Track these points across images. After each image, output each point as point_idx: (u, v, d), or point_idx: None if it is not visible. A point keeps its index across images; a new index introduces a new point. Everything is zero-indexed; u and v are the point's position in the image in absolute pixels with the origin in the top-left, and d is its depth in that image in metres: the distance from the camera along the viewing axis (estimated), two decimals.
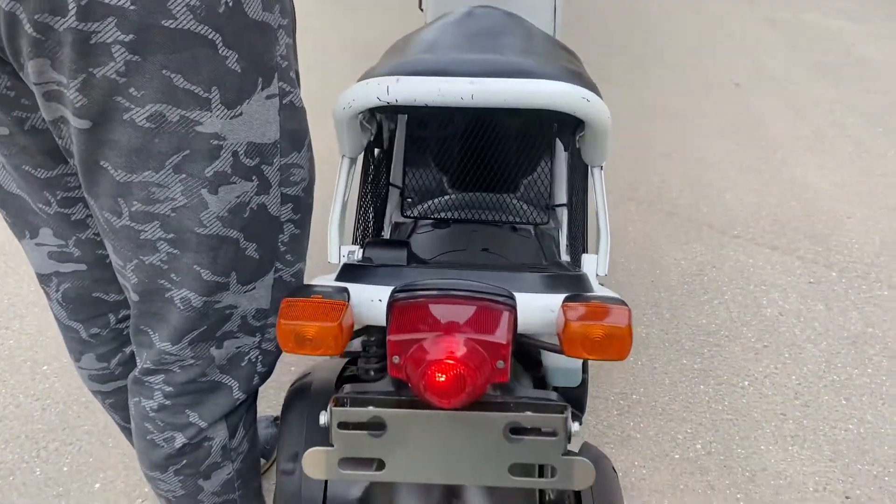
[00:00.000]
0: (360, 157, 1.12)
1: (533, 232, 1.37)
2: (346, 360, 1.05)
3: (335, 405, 0.68)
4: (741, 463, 1.65)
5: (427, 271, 0.81)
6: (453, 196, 1.46)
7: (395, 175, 1.45)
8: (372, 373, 0.96)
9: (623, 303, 0.75)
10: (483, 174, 1.50)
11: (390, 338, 0.67)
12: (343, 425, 0.68)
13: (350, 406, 0.68)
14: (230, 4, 0.75)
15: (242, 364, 1.00)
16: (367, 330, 0.89)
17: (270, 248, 0.93)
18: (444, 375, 0.63)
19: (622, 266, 2.37)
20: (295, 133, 0.90)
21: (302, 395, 0.95)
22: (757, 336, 2.05)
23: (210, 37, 0.75)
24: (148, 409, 1.00)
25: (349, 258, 0.99)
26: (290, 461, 0.88)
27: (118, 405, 1.22)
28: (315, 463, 0.69)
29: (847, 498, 1.56)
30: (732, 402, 1.82)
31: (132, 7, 0.70)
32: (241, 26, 0.77)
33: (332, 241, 0.99)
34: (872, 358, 1.96)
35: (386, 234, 1.40)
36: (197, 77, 0.76)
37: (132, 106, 0.76)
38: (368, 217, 1.24)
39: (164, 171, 0.81)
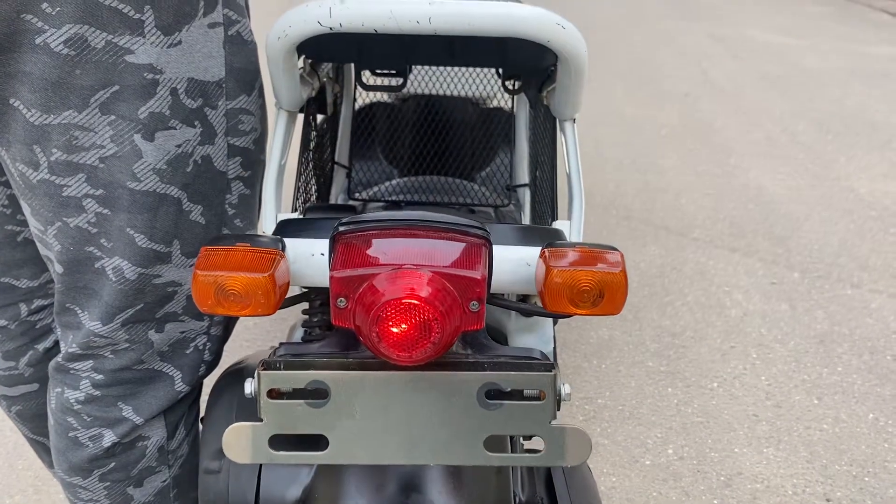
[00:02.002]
0: (301, 120, 0.98)
1: (493, 214, 1.25)
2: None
3: (263, 368, 0.53)
4: (715, 467, 1.54)
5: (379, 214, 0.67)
6: (405, 179, 1.33)
7: (341, 154, 1.31)
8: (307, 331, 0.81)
9: (614, 248, 0.63)
10: (436, 159, 1.37)
11: (333, 274, 0.52)
12: (274, 394, 0.54)
13: (283, 369, 0.53)
14: None
15: (187, 352, 0.84)
16: (307, 299, 0.75)
17: (217, 211, 0.78)
18: (404, 323, 0.49)
19: None
20: (243, 72, 0.76)
21: (230, 385, 0.80)
22: (723, 337, 1.96)
23: None
24: (73, 400, 0.83)
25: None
26: (216, 459, 0.73)
27: (26, 413, 1.04)
28: (238, 443, 0.54)
29: (828, 500, 1.46)
30: (702, 404, 1.72)
31: None
32: None
33: (266, 206, 0.85)
34: (841, 356, 1.88)
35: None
36: None
37: (46, 27, 0.62)
38: (310, 189, 1.09)
39: (88, 110, 0.66)
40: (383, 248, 0.53)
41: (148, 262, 0.75)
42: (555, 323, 0.98)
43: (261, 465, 0.71)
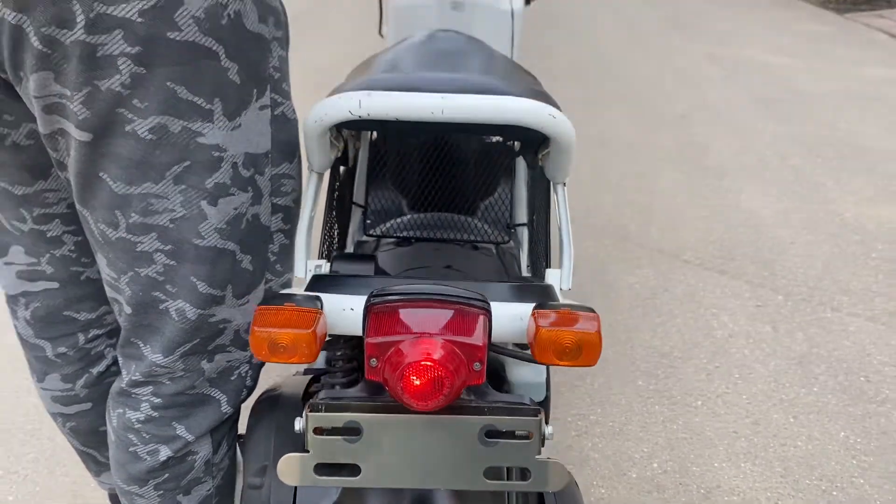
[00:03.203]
0: (327, 174, 1.12)
1: (494, 250, 1.39)
2: (309, 376, 1.04)
3: (310, 410, 0.68)
4: (696, 481, 1.68)
5: (399, 280, 0.81)
6: (414, 216, 1.47)
7: (358, 194, 1.45)
8: (338, 387, 0.96)
9: (592, 310, 0.77)
10: (443, 196, 1.51)
11: (368, 340, 0.67)
12: (318, 430, 0.68)
13: (325, 411, 0.68)
14: (231, 16, 0.76)
15: (232, 378, 0.98)
16: (332, 345, 0.89)
17: (263, 259, 0.92)
18: (421, 379, 0.64)
19: (577, 290, 2.40)
20: (286, 144, 0.90)
21: (268, 410, 0.94)
22: (708, 357, 2.09)
23: (214, 48, 0.75)
24: (133, 420, 0.97)
25: (316, 271, 0.99)
26: (258, 476, 0.87)
27: (80, 430, 1.18)
28: (290, 469, 0.68)
29: None
30: (686, 421, 1.85)
31: (139, 19, 0.70)
32: (241, 38, 0.78)
33: (298, 255, 0.99)
34: (818, 377, 2.02)
35: (349, 251, 1.40)
36: (200, 88, 0.76)
37: (135, 118, 0.75)
38: (333, 234, 1.24)
39: (164, 182, 0.80)
40: (406, 319, 0.67)
41: (206, 304, 0.89)
42: None
43: None
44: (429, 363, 0.63)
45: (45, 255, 1.03)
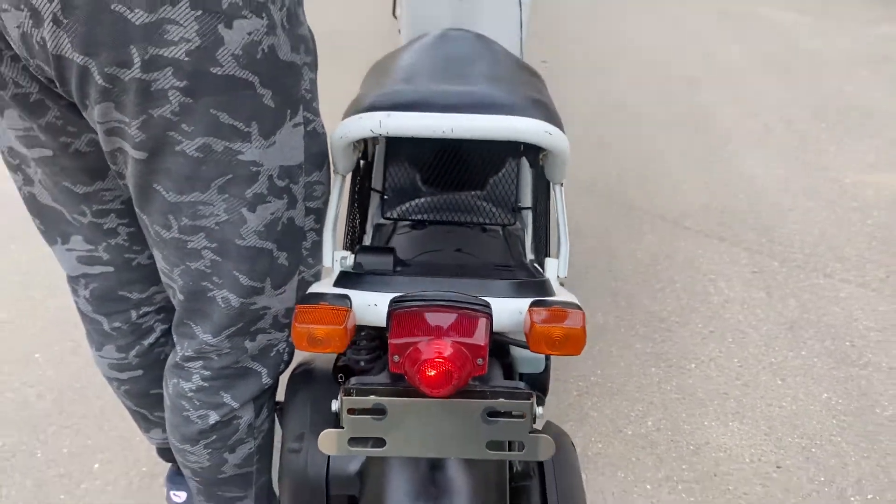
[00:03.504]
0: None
1: (501, 232, 1.52)
2: (336, 353, 1.19)
3: (345, 395, 0.82)
4: (687, 437, 1.83)
5: (414, 280, 0.95)
6: (427, 199, 1.60)
7: (376, 181, 1.58)
8: (362, 363, 1.10)
9: (579, 307, 0.90)
10: (454, 180, 1.64)
11: (392, 341, 0.81)
12: (351, 411, 0.83)
13: (357, 395, 0.82)
14: (266, 50, 0.88)
15: (272, 354, 1.14)
16: (358, 330, 1.03)
17: (296, 254, 1.06)
18: (434, 371, 0.78)
19: (582, 258, 2.54)
20: (316, 156, 1.03)
21: (303, 383, 1.09)
22: (704, 322, 2.23)
23: (250, 79, 0.87)
24: (186, 389, 1.13)
25: (342, 263, 1.12)
26: (297, 441, 1.02)
27: (132, 392, 1.35)
28: (328, 442, 0.83)
29: (778, 467, 1.75)
30: (680, 382, 2.00)
31: (186, 58, 0.82)
32: (275, 68, 0.90)
33: (326, 247, 1.13)
34: (807, 341, 2.15)
35: (368, 235, 1.53)
36: (239, 114, 0.89)
37: (184, 139, 0.88)
38: (355, 222, 1.37)
39: (209, 192, 0.93)
40: (422, 323, 0.81)
41: (248, 294, 1.04)
42: None
43: None
44: (440, 360, 0.78)
45: (102, 244, 1.17)
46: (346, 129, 1.02)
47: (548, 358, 1.32)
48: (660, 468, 1.75)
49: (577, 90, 3.98)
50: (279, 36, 0.90)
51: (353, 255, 1.13)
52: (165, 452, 1.56)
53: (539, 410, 0.85)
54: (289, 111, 0.95)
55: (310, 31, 1.00)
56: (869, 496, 1.68)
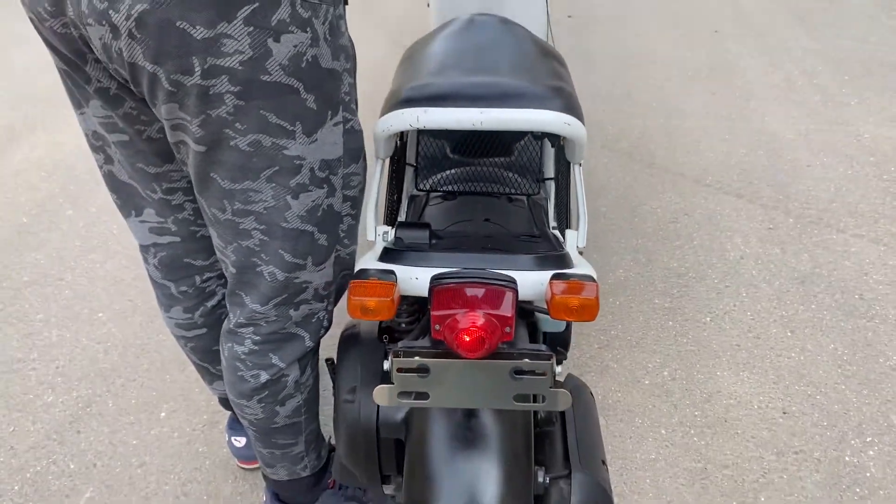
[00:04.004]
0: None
1: (526, 202, 1.65)
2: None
3: (394, 356, 0.98)
4: (700, 387, 1.98)
5: (449, 256, 1.09)
6: (457, 170, 1.73)
7: (410, 156, 1.72)
8: (403, 325, 1.26)
9: (593, 279, 1.04)
10: (482, 145, 1.77)
11: (433, 313, 0.96)
12: (400, 370, 0.98)
13: (404, 357, 0.98)
14: (310, 60, 1.01)
15: (313, 321, 1.30)
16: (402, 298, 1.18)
17: (334, 236, 1.21)
18: (470, 338, 0.93)
19: (604, 215, 2.66)
20: (354, 150, 1.16)
21: (352, 344, 1.25)
22: (720, 277, 2.36)
23: (295, 86, 1.01)
24: (239, 352, 1.30)
25: (384, 237, 1.27)
26: (350, 393, 1.18)
27: (198, 349, 1.52)
28: (382, 395, 0.99)
29: (784, 413, 1.90)
30: (695, 335, 2.14)
31: (240, 67, 0.96)
32: (318, 75, 1.03)
33: (369, 223, 1.28)
34: (817, 295, 2.27)
35: (404, 206, 1.67)
36: (285, 115, 1.02)
37: (237, 136, 1.02)
38: (393, 196, 1.52)
39: (259, 181, 1.07)
40: (458, 297, 0.96)
41: (291, 269, 1.19)
42: None
43: None
44: (474, 328, 0.93)
45: (170, 217, 1.33)
46: (387, 123, 1.15)
47: (569, 330, 1.47)
48: (674, 414, 1.90)
49: (603, 43, 4.04)
50: (321, 47, 1.02)
51: (393, 230, 1.27)
52: (226, 402, 1.75)
53: (558, 369, 1.00)
54: (329, 112, 1.08)
55: (350, 40, 1.12)
56: (868, 439, 1.82)
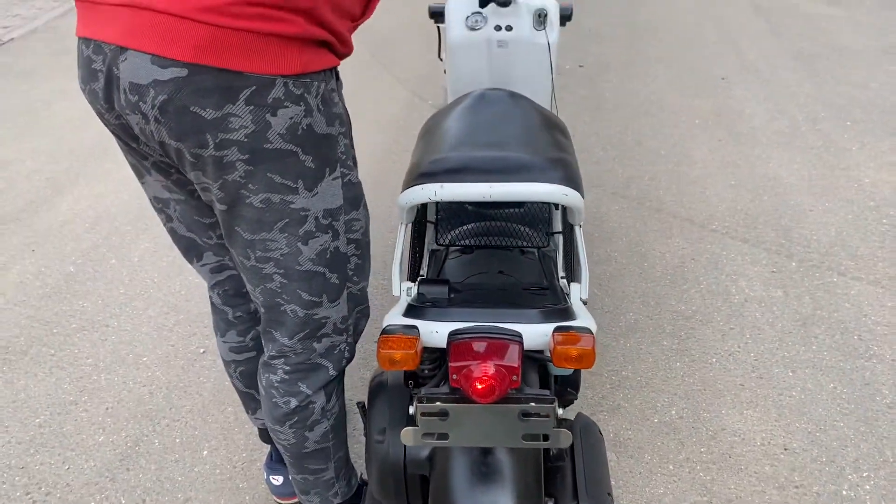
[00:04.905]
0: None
1: (537, 254, 1.81)
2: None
3: (419, 402, 1.14)
4: (706, 424, 2.11)
5: (465, 311, 1.25)
6: (474, 225, 1.90)
7: (430, 213, 1.89)
8: (426, 371, 1.42)
9: (591, 332, 1.19)
10: (498, 212, 1.93)
11: (451, 364, 1.12)
12: (423, 414, 1.14)
13: (427, 402, 1.14)
14: (305, 128, 1.17)
15: (335, 352, 1.47)
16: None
17: (344, 274, 1.38)
18: (482, 385, 1.09)
19: (615, 260, 2.81)
20: (353, 199, 1.33)
21: (381, 390, 1.41)
22: (725, 320, 2.49)
23: (294, 150, 1.18)
24: (274, 381, 1.47)
25: (408, 293, 1.43)
26: (380, 434, 1.33)
27: (245, 373, 1.70)
28: (408, 436, 1.15)
29: (786, 449, 2.02)
30: (702, 375, 2.27)
31: (245, 139, 1.13)
32: (313, 140, 1.20)
33: (395, 280, 1.44)
34: (818, 336, 2.40)
35: (426, 260, 1.84)
36: (288, 175, 1.19)
37: (251, 195, 1.20)
38: (415, 250, 1.68)
39: (273, 231, 1.25)
40: (472, 351, 1.12)
41: (309, 307, 1.36)
42: None
43: None
44: (486, 377, 1.09)
45: (226, 256, 1.52)
46: (409, 196, 1.33)
47: (579, 374, 1.62)
48: (681, 451, 2.03)
49: (613, 92, 4.22)
50: (315, 116, 1.19)
51: (416, 286, 1.43)
52: (265, 434, 1.91)
53: (560, 412, 1.16)
54: (328, 169, 1.25)
55: (344, 108, 1.30)
56: (864, 474, 1.94)
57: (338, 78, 1.29)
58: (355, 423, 2.11)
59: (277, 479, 1.91)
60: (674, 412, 2.15)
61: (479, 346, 1.15)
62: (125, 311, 2.68)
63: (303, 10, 1.10)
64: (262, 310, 1.40)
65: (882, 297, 2.56)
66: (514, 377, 1.13)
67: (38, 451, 2.13)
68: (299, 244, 1.28)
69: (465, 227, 1.90)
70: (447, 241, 1.87)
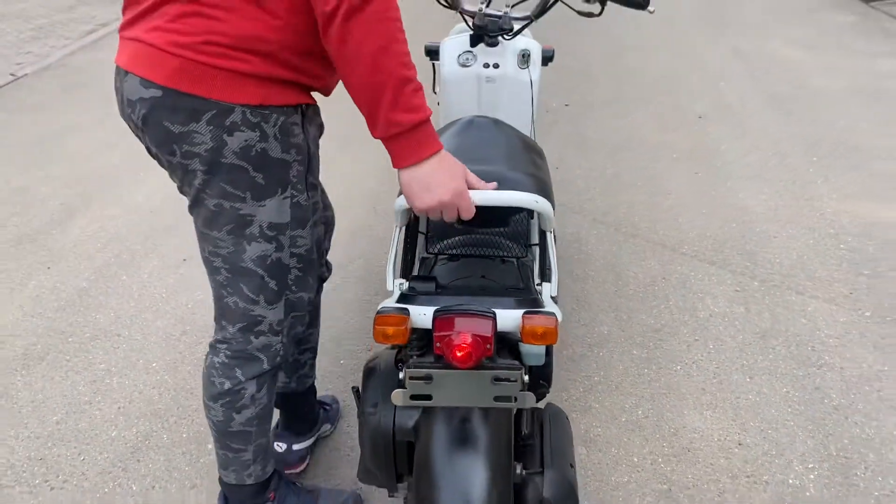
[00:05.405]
0: None
1: (516, 263, 2.03)
2: (395, 351, 1.70)
3: (407, 368, 1.34)
4: (668, 423, 2.31)
5: (448, 298, 1.46)
6: (461, 237, 2.12)
7: (422, 225, 2.11)
8: (414, 356, 1.62)
9: (554, 315, 1.40)
10: (483, 223, 2.15)
11: (435, 334, 1.33)
12: (412, 378, 1.35)
13: (414, 368, 1.34)
14: (259, 150, 1.38)
15: (270, 350, 1.66)
16: (412, 331, 1.55)
17: (283, 283, 1.58)
18: (461, 353, 1.30)
19: (592, 278, 3.03)
20: (299, 219, 1.53)
21: (374, 371, 1.61)
22: (690, 332, 2.70)
23: (245, 166, 1.39)
24: (216, 363, 1.65)
25: (401, 288, 1.65)
26: (372, 407, 1.53)
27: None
28: (397, 397, 1.36)
29: (740, 444, 2.22)
30: (667, 381, 2.48)
31: (205, 153, 1.35)
32: (265, 161, 1.41)
33: (389, 276, 1.66)
34: (775, 347, 2.61)
35: (417, 265, 2.05)
36: (238, 186, 1.41)
37: (207, 199, 1.43)
38: (407, 257, 1.90)
39: (221, 231, 1.47)
40: (453, 324, 1.33)
41: (249, 302, 1.56)
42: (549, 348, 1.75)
43: (395, 408, 1.51)
44: (465, 346, 1.30)
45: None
46: (402, 200, 1.55)
47: (547, 355, 1.82)
48: (645, 445, 2.23)
49: (596, 129, 4.48)
50: (270, 142, 1.40)
51: (407, 283, 1.65)
52: (284, 399, 2.10)
53: (526, 378, 1.36)
54: (279, 189, 1.47)
55: (305, 141, 1.49)
56: (810, 465, 2.14)
57: (306, 116, 1.48)
58: (349, 420, 2.30)
59: (280, 447, 2.11)
60: (640, 412, 2.35)
61: (459, 320, 1.36)
62: (136, 322, 2.88)
63: (262, 52, 1.31)
64: (214, 296, 1.62)
65: (836, 314, 2.77)
66: (488, 346, 1.34)
67: (55, 445, 2.32)
68: (244, 243, 1.49)
69: (453, 239, 2.12)
70: (436, 251, 2.09)
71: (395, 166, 1.34)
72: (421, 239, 2.14)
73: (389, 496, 1.94)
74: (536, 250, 2.12)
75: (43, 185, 4.03)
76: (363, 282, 3.05)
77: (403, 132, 1.27)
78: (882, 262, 3.09)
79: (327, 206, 1.92)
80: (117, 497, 2.12)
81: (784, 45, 6.05)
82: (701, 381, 2.47)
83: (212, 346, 1.68)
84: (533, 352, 1.70)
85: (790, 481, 2.09)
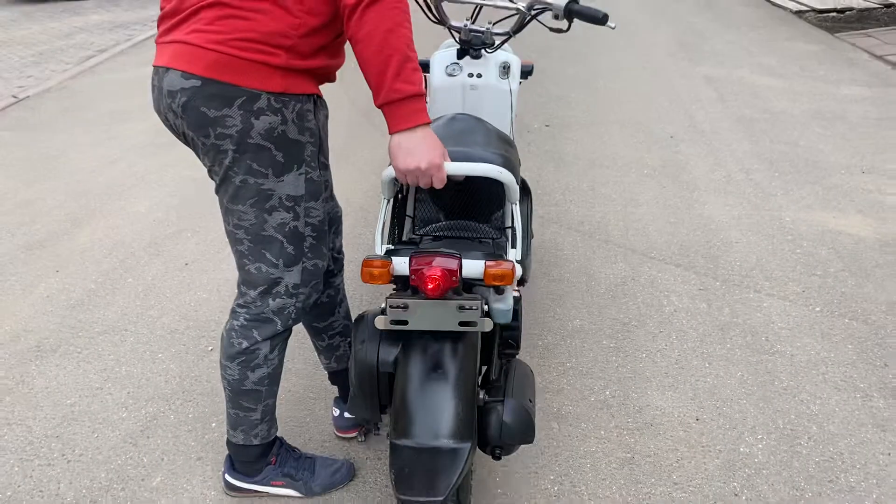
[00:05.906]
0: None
1: (492, 244, 2.27)
2: (381, 307, 1.93)
3: (388, 298, 1.58)
4: (633, 402, 2.53)
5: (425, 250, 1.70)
6: (443, 223, 2.36)
7: (409, 208, 2.35)
8: (394, 291, 1.84)
9: (511, 261, 1.64)
10: (464, 210, 2.40)
11: (411, 268, 1.56)
12: (391, 306, 1.58)
13: (394, 299, 1.58)
14: (280, 132, 1.62)
15: (284, 312, 1.86)
16: (394, 280, 1.78)
17: (300, 249, 1.80)
18: (432, 284, 1.53)
19: (566, 280, 3.27)
20: (313, 192, 1.76)
21: (364, 317, 1.81)
22: (656, 325, 2.94)
23: (268, 146, 1.63)
24: (235, 325, 1.87)
25: (385, 250, 1.88)
26: (360, 344, 1.74)
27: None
28: (380, 322, 1.59)
29: (697, 420, 2.44)
30: (633, 367, 2.71)
31: (236, 134, 1.58)
32: (285, 141, 1.64)
33: (377, 243, 1.89)
34: (732, 337, 2.85)
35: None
36: (262, 163, 1.64)
37: (235, 176, 1.65)
38: (394, 234, 2.14)
39: (245, 205, 1.70)
40: (426, 260, 1.57)
41: (270, 265, 1.78)
42: (518, 297, 1.97)
43: (379, 340, 1.73)
44: (435, 278, 1.54)
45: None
46: (389, 171, 1.78)
47: (515, 318, 2.05)
48: (611, 421, 2.45)
49: (574, 147, 4.75)
50: (289, 125, 1.64)
51: (392, 247, 1.89)
52: (331, 376, 2.33)
53: (485, 307, 1.61)
54: (295, 165, 1.70)
55: (316, 125, 1.72)
56: (759, 436, 2.37)
57: (317, 105, 1.72)
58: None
59: (336, 411, 2.35)
60: (608, 393, 2.58)
61: (431, 258, 1.60)
62: (142, 318, 3.09)
63: (285, 46, 1.55)
64: (237, 266, 1.83)
65: (789, 309, 3.02)
66: (454, 278, 1.57)
67: (70, 425, 2.51)
68: (265, 215, 1.71)
69: (436, 224, 2.36)
70: (421, 233, 2.33)
71: (390, 131, 1.56)
72: (407, 222, 2.38)
73: (375, 431, 2.18)
74: (510, 233, 2.36)
75: (48, 197, 4.25)
76: (351, 281, 3.28)
77: (401, 99, 1.50)
78: (833, 264, 3.35)
79: (335, 203, 2.14)
80: (129, 468, 2.32)
81: (752, 72, 6.38)
82: (664, 367, 2.70)
83: (232, 311, 1.89)
84: (501, 309, 1.94)
85: (741, 450, 2.32)
